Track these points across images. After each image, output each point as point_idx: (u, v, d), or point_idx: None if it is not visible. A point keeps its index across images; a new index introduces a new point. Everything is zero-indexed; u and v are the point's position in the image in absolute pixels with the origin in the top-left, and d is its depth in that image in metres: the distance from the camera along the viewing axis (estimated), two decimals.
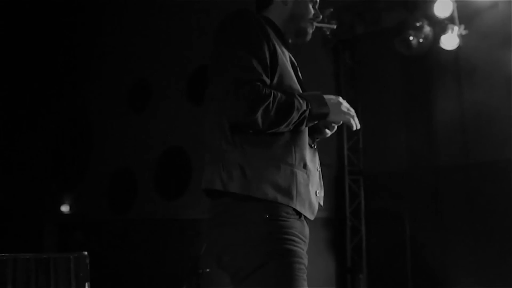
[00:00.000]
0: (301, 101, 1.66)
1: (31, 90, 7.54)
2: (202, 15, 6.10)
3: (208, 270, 4.01)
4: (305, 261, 1.68)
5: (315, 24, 1.92)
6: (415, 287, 5.52)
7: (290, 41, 1.90)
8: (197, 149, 6.05)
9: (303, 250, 1.68)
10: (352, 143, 6.08)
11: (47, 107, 7.62)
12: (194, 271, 4.01)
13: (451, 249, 5.24)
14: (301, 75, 1.85)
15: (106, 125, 7.24)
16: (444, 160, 5.44)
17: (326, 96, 1.75)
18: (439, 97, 5.50)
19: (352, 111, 1.80)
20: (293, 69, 1.80)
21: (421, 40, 5.09)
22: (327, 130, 1.87)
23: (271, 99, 1.60)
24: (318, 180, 1.80)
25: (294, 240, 1.65)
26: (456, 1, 4.90)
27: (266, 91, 1.61)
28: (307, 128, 1.75)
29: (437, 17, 4.96)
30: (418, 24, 5.06)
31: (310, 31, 1.90)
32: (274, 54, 1.71)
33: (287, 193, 1.65)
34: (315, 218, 1.77)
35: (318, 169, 1.80)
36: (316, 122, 1.75)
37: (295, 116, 1.64)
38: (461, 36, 4.93)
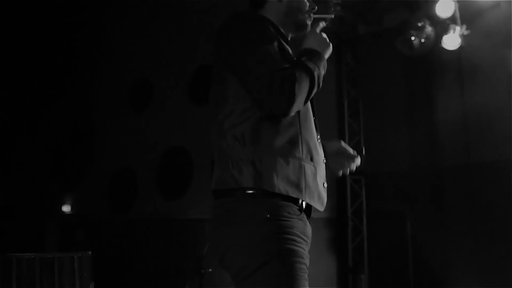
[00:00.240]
0: (310, 63, 1.72)
1: (32, 90, 7.54)
2: (204, 15, 6.10)
3: (210, 270, 4.01)
4: (307, 261, 1.68)
5: (313, 15, 1.92)
6: (416, 287, 5.52)
7: (290, 37, 1.92)
8: (198, 149, 6.05)
9: (304, 250, 1.69)
10: (353, 143, 6.08)
11: (48, 107, 7.62)
12: (196, 271, 4.01)
13: (453, 249, 5.25)
14: None
15: (107, 125, 7.23)
16: (446, 160, 5.45)
17: (311, 42, 1.80)
18: (441, 97, 5.50)
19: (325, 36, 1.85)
20: None
21: (423, 40, 5.09)
22: None
23: (298, 77, 1.65)
24: (324, 172, 1.82)
25: (295, 240, 1.65)
26: (458, 1, 4.89)
27: (297, 76, 1.66)
28: (313, 122, 1.80)
29: (439, 17, 4.96)
30: (420, 24, 5.06)
31: (309, 22, 1.92)
32: (282, 51, 1.74)
33: (297, 186, 1.68)
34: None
35: (324, 161, 1.83)
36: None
37: (315, 77, 1.71)
38: (463, 36, 4.93)
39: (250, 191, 1.66)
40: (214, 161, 1.81)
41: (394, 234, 5.67)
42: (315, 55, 1.77)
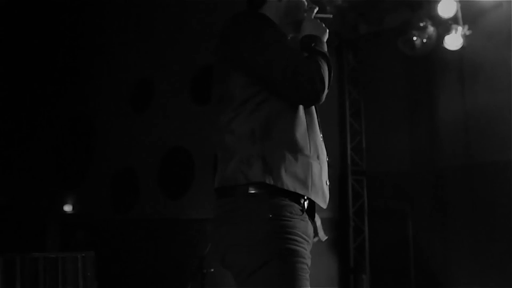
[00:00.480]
0: (324, 51, 1.79)
1: (34, 90, 7.54)
2: (205, 15, 6.10)
3: (212, 270, 4.01)
4: (308, 261, 1.69)
5: (312, 15, 1.93)
6: (417, 287, 5.52)
7: (289, 36, 1.93)
8: (199, 149, 6.05)
9: (306, 250, 1.69)
10: (355, 143, 6.08)
11: (49, 107, 7.62)
12: (198, 271, 4.01)
13: (454, 249, 5.25)
14: None
15: (108, 124, 7.23)
16: (447, 161, 5.45)
17: (309, 29, 1.85)
18: (442, 97, 5.50)
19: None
20: None
21: (424, 40, 5.08)
22: None
23: (316, 68, 1.71)
24: (327, 171, 1.84)
25: (297, 240, 1.66)
26: (460, 1, 4.89)
27: (319, 62, 1.72)
28: (317, 121, 1.82)
29: (441, 17, 4.95)
30: (421, 24, 5.05)
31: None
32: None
33: (304, 183, 1.70)
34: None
35: (327, 160, 1.85)
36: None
37: (328, 59, 1.77)
38: (465, 37, 4.92)
39: (253, 191, 1.67)
40: (216, 159, 1.81)
41: (395, 234, 5.67)
42: (317, 40, 1.81)
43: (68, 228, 7.05)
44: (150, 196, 6.58)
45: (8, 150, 7.42)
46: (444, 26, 4.97)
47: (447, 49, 5.04)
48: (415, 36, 5.08)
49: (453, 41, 4.97)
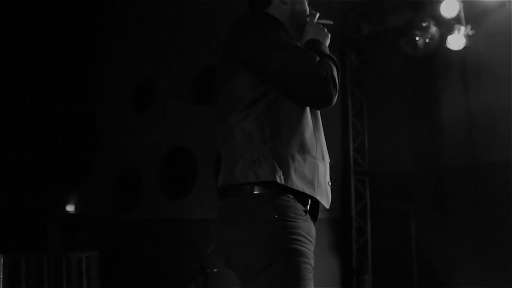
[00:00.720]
0: (331, 55, 1.82)
1: (36, 90, 7.55)
2: (208, 15, 6.10)
3: (215, 270, 4.01)
4: (312, 261, 1.70)
5: (314, 20, 1.96)
6: (420, 287, 5.51)
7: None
8: (202, 149, 6.05)
9: (310, 250, 1.70)
10: (357, 143, 6.08)
11: (52, 107, 7.63)
12: (201, 271, 4.01)
13: (456, 250, 5.24)
14: None
15: (111, 124, 7.24)
16: (449, 161, 5.44)
17: (312, 33, 1.89)
18: (445, 98, 5.49)
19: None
20: None
21: (427, 40, 5.08)
22: None
23: (327, 65, 1.73)
24: (329, 171, 1.87)
25: (301, 240, 1.67)
26: (462, 1, 4.88)
27: (331, 65, 1.75)
28: (320, 121, 1.85)
29: (444, 17, 4.95)
30: (424, 24, 5.05)
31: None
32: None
33: (311, 184, 1.73)
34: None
35: (329, 160, 1.88)
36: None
37: (336, 69, 1.79)
38: (467, 36, 4.92)
39: (257, 191, 1.67)
40: (219, 158, 1.81)
41: (398, 234, 5.66)
42: (322, 44, 1.84)
43: (70, 228, 7.05)
44: (152, 196, 6.58)
45: (10, 150, 7.43)
46: (447, 26, 4.97)
47: (449, 49, 5.04)
48: (417, 36, 5.07)
49: (456, 41, 4.96)
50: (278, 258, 1.62)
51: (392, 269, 5.70)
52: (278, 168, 1.67)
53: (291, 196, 1.69)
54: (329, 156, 1.88)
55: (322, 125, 1.87)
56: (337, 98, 1.78)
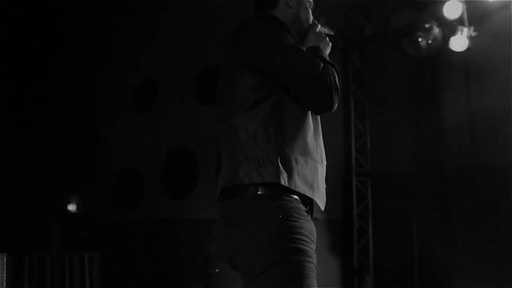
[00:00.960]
0: (332, 63, 1.84)
1: (37, 89, 7.56)
2: (209, 15, 6.10)
3: (217, 270, 4.01)
4: (314, 260, 1.73)
5: (316, 29, 1.99)
6: None
7: None
8: (203, 149, 6.06)
9: (312, 250, 1.73)
10: (359, 144, 6.08)
11: (53, 106, 7.64)
12: (203, 271, 4.01)
13: (458, 251, 5.24)
14: None
15: (112, 124, 7.25)
16: (452, 162, 5.43)
17: (313, 41, 1.92)
18: (447, 99, 5.49)
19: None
20: None
21: (430, 42, 5.08)
22: None
23: (332, 78, 1.75)
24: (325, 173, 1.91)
25: (304, 240, 1.69)
26: (465, 3, 4.88)
27: (334, 71, 1.77)
28: (319, 125, 1.87)
29: (447, 18, 4.95)
30: (427, 26, 5.05)
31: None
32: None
33: (311, 186, 1.76)
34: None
35: (326, 163, 1.91)
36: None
37: (338, 77, 1.81)
38: (470, 38, 4.91)
39: (261, 192, 1.69)
40: (219, 158, 1.82)
41: (399, 235, 5.66)
42: (322, 52, 1.87)
43: (71, 227, 7.06)
44: (153, 196, 6.58)
45: (11, 150, 7.44)
46: (450, 27, 4.97)
47: (452, 51, 5.03)
48: (420, 37, 5.07)
49: (459, 42, 4.96)
50: (283, 258, 1.64)
51: (393, 270, 5.69)
52: (283, 170, 1.69)
53: (294, 197, 1.72)
54: (330, 158, 1.93)
55: (324, 126, 1.90)
56: (339, 99, 1.79)
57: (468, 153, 5.27)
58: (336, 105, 1.77)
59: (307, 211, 1.76)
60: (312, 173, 1.76)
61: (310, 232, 1.73)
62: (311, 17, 1.97)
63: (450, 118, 5.42)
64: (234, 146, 1.75)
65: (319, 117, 1.87)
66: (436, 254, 5.37)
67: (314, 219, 1.83)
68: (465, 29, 4.89)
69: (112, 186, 7.04)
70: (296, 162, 1.72)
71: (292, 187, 1.69)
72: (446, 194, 5.46)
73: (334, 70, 1.78)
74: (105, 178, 7.12)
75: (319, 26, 1.96)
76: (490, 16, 4.94)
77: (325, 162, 1.87)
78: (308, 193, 1.74)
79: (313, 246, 1.74)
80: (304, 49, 1.82)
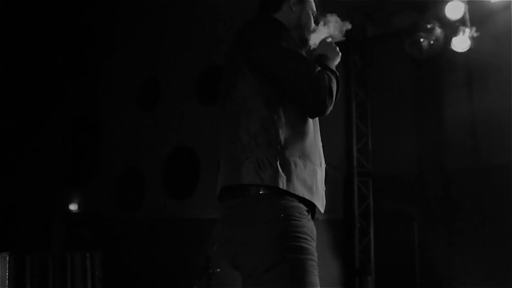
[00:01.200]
0: (334, 70, 1.86)
1: (40, 88, 7.57)
2: (212, 15, 6.11)
3: (218, 270, 4.02)
4: (316, 258, 1.76)
5: (326, 35, 2.04)
6: None
7: None
8: (205, 149, 6.06)
9: (314, 248, 1.76)
10: (361, 144, 6.07)
11: (56, 105, 7.66)
12: (204, 271, 4.01)
13: (460, 251, 5.23)
14: None
15: (115, 124, 7.26)
16: (453, 163, 5.43)
17: (323, 49, 1.95)
18: (449, 100, 5.48)
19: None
20: None
21: (432, 42, 5.08)
22: None
23: (327, 78, 1.77)
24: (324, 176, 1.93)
25: (306, 239, 1.72)
26: (467, 3, 4.88)
27: (331, 77, 1.79)
28: (318, 129, 1.89)
29: (449, 19, 4.95)
30: (429, 26, 5.05)
31: (309, 40, 2.04)
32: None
33: (310, 189, 1.78)
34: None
35: (325, 167, 1.93)
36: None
37: (338, 77, 1.83)
38: (472, 38, 4.91)
39: (263, 192, 1.70)
40: (220, 159, 1.84)
41: (401, 236, 5.66)
42: (329, 60, 1.90)
43: (73, 226, 7.07)
44: (155, 196, 6.59)
45: (14, 149, 7.45)
46: (452, 28, 4.96)
47: (454, 51, 5.03)
48: (422, 38, 5.07)
49: (461, 43, 4.96)
50: (286, 256, 1.67)
51: (395, 271, 5.69)
52: (282, 173, 1.71)
53: (295, 197, 1.74)
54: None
55: (326, 126, 1.92)
56: (341, 99, 1.81)
57: (470, 154, 5.26)
58: (329, 110, 1.78)
59: (307, 211, 1.78)
60: (311, 176, 1.78)
61: (311, 231, 1.76)
62: (313, 25, 2.01)
63: (452, 119, 5.42)
64: (235, 146, 1.77)
65: (317, 121, 1.90)
66: (437, 255, 5.37)
67: (315, 220, 1.85)
68: (467, 30, 4.88)
69: (113, 185, 7.06)
70: (295, 165, 1.74)
71: (291, 191, 1.71)
72: (447, 194, 5.46)
73: (333, 76, 1.80)
74: (107, 178, 7.14)
75: (330, 37, 2.00)
76: (492, 16, 4.93)
77: (324, 166, 1.89)
78: (307, 196, 1.76)
79: (314, 245, 1.77)
80: (303, 52, 1.84)
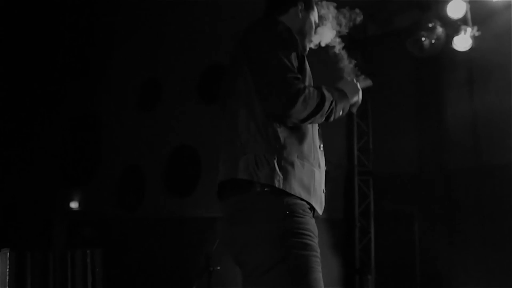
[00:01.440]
0: (327, 92, 1.79)
1: (41, 87, 7.57)
2: (212, 15, 6.11)
3: (219, 268, 4.02)
4: (319, 255, 1.77)
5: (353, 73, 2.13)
6: None
7: None
8: (206, 148, 6.06)
9: (317, 244, 1.78)
10: (362, 143, 6.07)
11: (57, 105, 7.66)
12: (205, 269, 4.01)
13: (460, 251, 5.24)
14: (312, 76, 1.97)
15: (116, 123, 7.26)
16: (454, 162, 5.43)
17: (344, 85, 1.92)
18: (450, 99, 5.49)
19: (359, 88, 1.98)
20: None
21: (433, 41, 5.07)
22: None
23: (307, 92, 1.71)
24: (324, 178, 1.93)
25: (310, 235, 1.74)
26: (469, 2, 4.87)
27: (302, 85, 1.72)
28: (317, 130, 1.89)
29: (450, 18, 4.94)
30: (430, 25, 5.04)
31: (308, 49, 2.07)
32: (302, 60, 1.83)
33: (308, 190, 1.78)
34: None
35: (325, 169, 1.94)
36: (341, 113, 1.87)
37: (326, 106, 1.76)
38: (474, 38, 4.90)
39: (267, 189, 1.71)
40: (220, 158, 1.84)
41: (401, 235, 5.66)
42: (342, 94, 1.86)
43: (74, 225, 7.08)
44: (156, 195, 6.60)
45: (15, 148, 7.46)
46: (453, 27, 4.95)
47: (455, 50, 5.02)
48: (423, 37, 5.06)
49: (462, 42, 4.95)
50: (291, 253, 1.69)
51: (395, 270, 5.69)
52: (278, 172, 1.72)
53: (293, 196, 1.75)
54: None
55: (326, 125, 1.93)
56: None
57: (471, 153, 5.26)
58: (286, 117, 1.71)
59: (310, 208, 1.79)
60: (308, 177, 1.78)
61: (314, 228, 1.78)
62: (313, 34, 2.04)
63: (452, 118, 5.42)
64: (234, 145, 1.79)
65: (317, 124, 1.89)
66: (438, 254, 5.36)
67: (316, 218, 1.86)
68: (469, 29, 4.88)
69: (115, 184, 7.06)
70: (293, 164, 1.75)
71: (287, 190, 1.72)
72: (448, 193, 5.46)
73: (317, 95, 1.73)
74: (107, 177, 7.14)
75: (357, 78, 2.02)
76: (493, 16, 4.93)
77: (324, 167, 1.89)
78: (304, 196, 1.76)
79: (317, 241, 1.79)
80: (295, 61, 1.80)
